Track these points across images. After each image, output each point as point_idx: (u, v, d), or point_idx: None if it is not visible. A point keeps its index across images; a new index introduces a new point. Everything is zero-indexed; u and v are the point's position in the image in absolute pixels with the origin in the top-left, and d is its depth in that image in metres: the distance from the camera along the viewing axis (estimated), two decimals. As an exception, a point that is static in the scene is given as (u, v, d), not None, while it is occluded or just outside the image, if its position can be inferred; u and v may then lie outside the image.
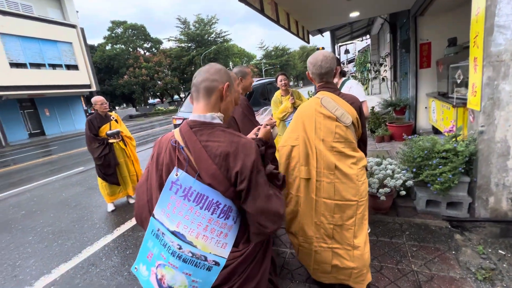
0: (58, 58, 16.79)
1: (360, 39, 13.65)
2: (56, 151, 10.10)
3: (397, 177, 2.40)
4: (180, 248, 0.86)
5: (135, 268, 0.96)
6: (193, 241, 0.86)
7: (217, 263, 0.87)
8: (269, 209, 0.87)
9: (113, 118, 3.54)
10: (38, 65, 15.83)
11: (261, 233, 0.88)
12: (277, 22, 3.82)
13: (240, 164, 0.85)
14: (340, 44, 13.78)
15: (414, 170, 2.36)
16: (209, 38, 32.27)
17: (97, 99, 3.40)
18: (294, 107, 3.49)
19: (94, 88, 19.13)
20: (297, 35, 5.04)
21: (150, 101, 33.91)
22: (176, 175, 0.87)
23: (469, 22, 2.32)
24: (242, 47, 48.93)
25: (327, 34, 8.45)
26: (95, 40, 56.98)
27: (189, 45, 31.48)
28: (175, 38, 30.98)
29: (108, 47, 28.81)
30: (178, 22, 30.94)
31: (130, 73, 26.37)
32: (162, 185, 0.89)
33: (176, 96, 37.83)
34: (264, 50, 57.89)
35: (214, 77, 0.95)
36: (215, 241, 0.87)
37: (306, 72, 1.70)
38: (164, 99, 36.32)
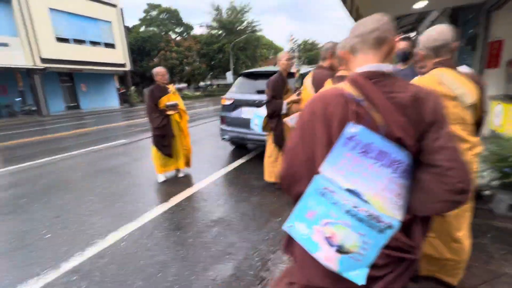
0: (98, 36, 17.42)
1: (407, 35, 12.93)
2: (94, 124, 10.56)
3: (483, 176, 2.23)
4: (355, 207, 0.81)
5: (290, 225, 0.92)
6: (370, 200, 0.80)
7: (390, 226, 0.81)
8: (462, 162, 0.77)
9: (171, 91, 3.59)
10: (80, 41, 16.51)
11: (450, 193, 0.77)
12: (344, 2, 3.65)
13: (432, 112, 0.78)
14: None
15: (506, 170, 2.18)
16: (240, 27, 32.10)
17: (159, 70, 3.45)
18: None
19: (128, 68, 19.73)
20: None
21: (177, 86, 34.54)
22: (353, 131, 0.81)
23: None
24: (270, 39, 48.27)
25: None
26: (131, 21, 58.46)
27: (220, 32, 31.50)
28: (207, 24, 31.09)
29: (142, 29, 29.48)
30: (211, 8, 30.93)
31: (161, 55, 26.89)
32: (331, 142, 0.83)
33: (202, 83, 38.24)
34: (294, 43, 56.86)
35: (385, 27, 0.88)
36: (393, 201, 0.81)
37: (417, 51, 1.57)
38: (190, 85, 36.85)
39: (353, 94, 0.85)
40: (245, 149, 5.35)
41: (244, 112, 4.34)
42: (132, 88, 20.92)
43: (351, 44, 0.92)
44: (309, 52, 54.38)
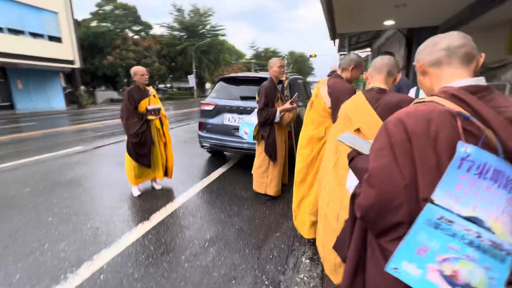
0: (41, 27, 15.29)
1: (361, 51, 14.10)
2: (37, 128, 9.12)
3: None
4: (479, 237, 0.71)
5: (395, 267, 0.79)
6: (492, 227, 0.72)
7: (509, 253, 0.74)
8: None
9: (151, 93, 3.23)
10: (16, 32, 14.27)
11: None
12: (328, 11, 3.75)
13: None
14: (340, 53, 14.13)
15: None
16: (203, 30, 31.50)
17: (138, 69, 3.08)
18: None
19: (77, 65, 17.73)
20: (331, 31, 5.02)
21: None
22: (467, 150, 0.73)
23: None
24: (232, 44, 48.42)
25: (330, 42, 8.58)
26: (80, 15, 52.87)
27: (182, 34, 30.46)
28: (168, 24, 29.81)
29: (93, 24, 26.90)
30: (172, 8, 29.76)
31: (116, 54, 24.83)
32: (440, 164, 0.74)
33: (161, 85, 36.32)
34: (255, 50, 57.91)
35: (472, 44, 0.84)
36: (510, 225, 0.74)
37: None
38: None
39: (460, 110, 0.76)
40: (223, 157, 5.11)
41: (227, 119, 4.14)
42: (82, 88, 18.80)
43: (435, 57, 0.85)
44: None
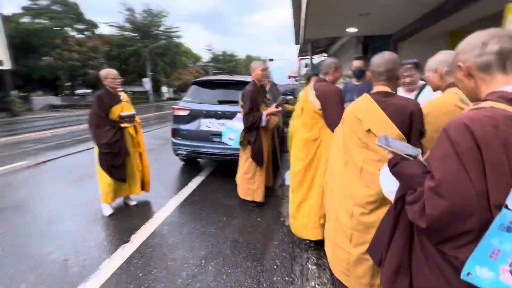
0: (-45, 20, 12.80)
1: (318, 56, 14.94)
2: (-43, 141, 7.53)
3: None
4: None
5: (467, 273, 0.77)
6: None
7: None
8: None
9: (124, 98, 2.89)
10: None
11: None
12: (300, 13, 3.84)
13: None
14: (301, 57, 14.80)
15: None
16: (157, 31, 30.01)
17: (108, 72, 2.73)
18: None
19: (6, 67, 15.29)
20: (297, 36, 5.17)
21: (78, 91, 28.98)
22: None
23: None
24: (188, 47, 47.16)
25: (291, 46, 8.95)
26: (9, 9, 45.55)
27: (134, 35, 28.55)
28: (118, 24, 27.65)
29: (24, 20, 23.55)
30: (121, 7, 27.72)
31: (56, 55, 22.09)
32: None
33: (111, 89, 33.43)
34: (212, 53, 57.24)
35: None
36: None
37: (436, 69, 1.69)
38: (97, 91, 31.69)
39: None
40: (197, 165, 4.85)
41: (204, 124, 3.93)
42: (13, 92, 16.22)
43: (486, 60, 0.83)
44: (228, 63, 55.91)
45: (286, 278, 1.97)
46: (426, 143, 1.61)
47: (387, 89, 1.60)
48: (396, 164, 1.02)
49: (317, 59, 16.65)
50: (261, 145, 2.98)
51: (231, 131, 3.09)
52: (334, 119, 2.01)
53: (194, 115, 3.94)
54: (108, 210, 2.90)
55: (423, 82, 2.49)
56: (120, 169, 2.78)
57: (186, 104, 4.03)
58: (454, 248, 0.81)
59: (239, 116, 3.19)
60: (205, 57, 58.92)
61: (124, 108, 2.81)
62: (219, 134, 3.81)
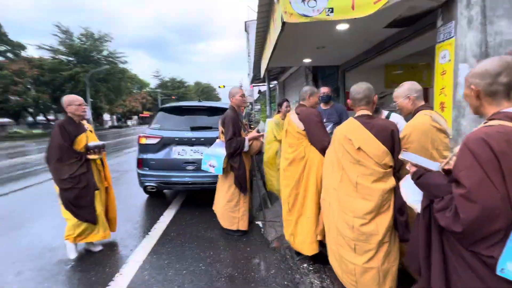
0: None
1: (268, 83, 15.87)
2: None
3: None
4: None
5: (501, 269, 0.85)
6: None
7: None
8: None
9: (87, 128, 2.56)
10: None
11: None
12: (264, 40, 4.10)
13: None
14: (254, 84, 15.49)
15: None
16: (99, 56, 28.12)
17: (73, 98, 2.41)
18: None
19: None
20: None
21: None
22: None
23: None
24: (134, 73, 45.23)
25: (239, 73, 9.48)
26: None
27: (70, 59, 26.14)
28: (51, 47, 25.02)
29: None
30: (56, 30, 25.39)
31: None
32: None
33: (40, 117, 29.24)
34: (160, 79, 55.80)
35: None
36: None
37: (407, 96, 1.97)
38: (20, 119, 27.27)
39: None
40: (163, 196, 4.45)
41: (176, 152, 3.70)
42: None
43: (495, 89, 0.99)
44: (178, 90, 55.04)
45: (296, 308, 1.87)
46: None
47: (368, 112, 1.84)
48: (421, 176, 1.12)
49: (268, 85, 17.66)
50: (245, 170, 2.93)
51: (213, 157, 2.97)
52: (318, 137, 2.21)
53: (165, 143, 3.70)
54: (73, 252, 2.41)
55: (387, 112, 2.87)
56: (88, 209, 2.38)
57: (155, 131, 3.77)
58: (486, 248, 0.91)
59: (219, 142, 3.12)
60: (153, 83, 57.16)
61: (89, 138, 2.47)
62: (193, 162, 3.65)
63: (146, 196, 4.42)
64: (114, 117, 39.50)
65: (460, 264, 1.01)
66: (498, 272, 0.88)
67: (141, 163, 3.77)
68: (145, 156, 3.73)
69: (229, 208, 2.98)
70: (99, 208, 2.50)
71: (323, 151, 2.15)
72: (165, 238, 2.98)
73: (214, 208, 3.28)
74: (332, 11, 2.77)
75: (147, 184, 3.66)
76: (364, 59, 5.52)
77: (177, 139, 3.67)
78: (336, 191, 1.84)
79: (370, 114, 1.87)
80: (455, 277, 1.03)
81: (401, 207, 1.69)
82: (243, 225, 2.97)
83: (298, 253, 2.44)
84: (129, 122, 43.75)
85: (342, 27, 3.72)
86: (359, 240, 1.68)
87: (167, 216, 3.59)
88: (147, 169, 3.72)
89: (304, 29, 3.57)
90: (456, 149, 1.06)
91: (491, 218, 0.88)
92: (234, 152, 2.85)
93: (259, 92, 15.78)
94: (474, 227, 0.90)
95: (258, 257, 2.57)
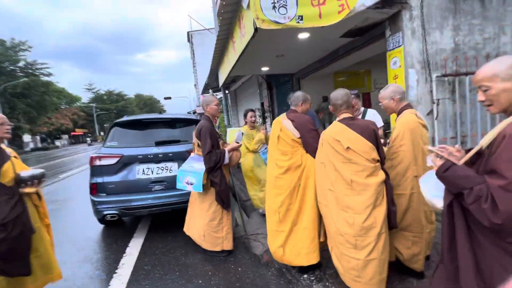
0: None
1: (219, 93, 15.74)
2: None
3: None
4: None
5: None
6: None
7: None
8: None
9: (10, 153, 2.00)
10: None
11: None
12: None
13: None
14: (204, 94, 15.15)
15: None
16: (13, 67, 23.89)
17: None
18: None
19: None
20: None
21: None
22: None
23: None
24: (61, 86, 39.78)
25: (184, 84, 9.31)
26: None
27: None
28: None
29: None
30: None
31: None
32: None
33: None
34: (94, 93, 50.24)
35: None
36: None
37: (392, 97, 2.10)
38: None
39: None
40: (121, 224, 3.87)
41: (140, 171, 3.25)
42: None
43: None
44: (116, 103, 50.37)
45: (310, 326, 1.76)
46: (403, 154, 1.95)
47: (349, 115, 1.99)
48: (449, 168, 1.13)
49: (220, 95, 17.51)
50: (226, 185, 2.72)
51: (190, 174, 2.69)
52: (313, 146, 2.16)
53: (126, 162, 3.22)
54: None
55: (363, 108, 3.04)
56: (21, 260, 1.81)
57: (112, 150, 3.26)
58: None
59: (194, 156, 2.86)
60: (85, 97, 51.09)
61: (16, 166, 1.92)
62: (161, 181, 3.27)
63: (101, 226, 3.77)
64: (38, 137, 33.71)
65: (500, 254, 1.03)
66: None
67: (95, 189, 3.20)
68: (100, 179, 3.18)
69: (211, 228, 2.71)
70: (43, 250, 1.94)
71: None
72: (139, 273, 2.54)
73: (186, 230, 2.96)
74: (301, 19, 2.85)
75: (106, 212, 3.10)
76: (318, 67, 5.87)
77: (140, 156, 3.23)
78: (332, 192, 1.90)
79: (352, 116, 1.99)
80: (495, 267, 1.04)
81: (392, 198, 1.86)
82: (227, 245, 2.73)
83: (293, 266, 2.35)
84: (57, 143, 37.80)
85: (304, 35, 3.87)
86: (359, 235, 1.77)
87: (134, 247, 3.10)
88: (104, 194, 3.18)
89: (269, 37, 3.60)
90: (483, 140, 1.11)
91: None
92: (215, 166, 2.62)
93: (211, 102, 15.51)
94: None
95: (253, 275, 2.38)
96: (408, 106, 2.08)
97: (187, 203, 3.25)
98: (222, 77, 6.18)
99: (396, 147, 1.98)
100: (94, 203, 3.15)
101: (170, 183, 3.29)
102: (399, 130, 1.96)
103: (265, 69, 6.17)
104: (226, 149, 2.76)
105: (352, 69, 7.12)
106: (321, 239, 2.15)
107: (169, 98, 31.91)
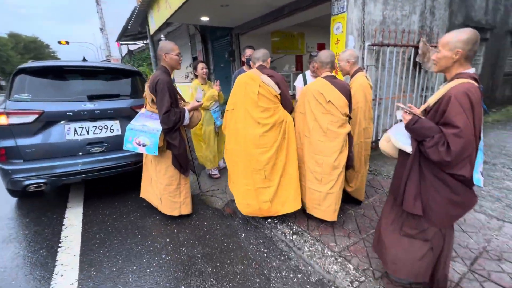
0: None
1: (141, 41, 13.53)
2: None
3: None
4: None
5: (477, 176, 1.29)
6: None
7: None
8: None
9: None
10: None
11: None
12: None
13: None
14: (121, 42, 12.70)
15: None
16: None
17: None
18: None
19: None
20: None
21: None
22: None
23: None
24: None
25: (82, 27, 7.96)
26: None
27: None
28: None
29: None
30: None
31: None
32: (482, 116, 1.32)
33: None
34: None
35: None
36: None
37: (347, 60, 2.35)
38: None
39: (480, 85, 1.35)
40: (41, 196, 3.26)
41: (71, 131, 2.70)
42: None
43: (472, 53, 1.33)
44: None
45: (282, 258, 2.06)
46: (357, 110, 2.33)
47: (332, 73, 2.14)
48: (416, 121, 1.42)
49: (140, 44, 15.10)
50: (185, 148, 2.54)
51: (142, 134, 2.40)
52: (289, 100, 2.32)
53: (49, 121, 2.59)
54: None
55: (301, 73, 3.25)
56: None
57: (25, 105, 2.52)
58: (459, 169, 1.34)
59: (146, 112, 2.53)
60: None
61: None
62: (100, 142, 2.84)
63: (12, 202, 3.08)
64: None
65: (438, 183, 1.40)
66: (475, 181, 1.33)
67: (4, 155, 2.51)
68: (11, 142, 2.49)
69: (168, 192, 2.54)
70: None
71: (291, 113, 2.34)
72: (92, 243, 2.30)
73: (143, 195, 2.78)
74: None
75: (29, 182, 2.51)
76: (258, 24, 5.74)
77: (70, 113, 2.64)
78: (307, 138, 2.23)
79: (334, 75, 2.23)
80: (433, 193, 1.43)
81: (352, 146, 2.28)
82: (185, 209, 2.64)
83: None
84: None
85: (254, -15, 3.66)
86: (325, 173, 2.18)
87: (73, 218, 2.71)
88: (21, 161, 2.54)
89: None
90: (430, 99, 1.43)
91: (468, 148, 1.28)
92: (173, 127, 2.36)
93: (129, 51, 13.21)
94: (459, 155, 1.29)
95: (220, 227, 2.51)
96: (360, 69, 2.39)
97: (134, 165, 2.98)
98: (155, 23, 5.32)
99: (354, 103, 2.30)
100: (5, 172, 2.49)
101: (111, 144, 2.89)
102: (356, 89, 2.27)
103: (204, 19, 5.62)
104: (186, 108, 2.53)
105: (288, 30, 7.28)
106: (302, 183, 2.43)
107: (66, 42, 25.40)
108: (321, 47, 7.89)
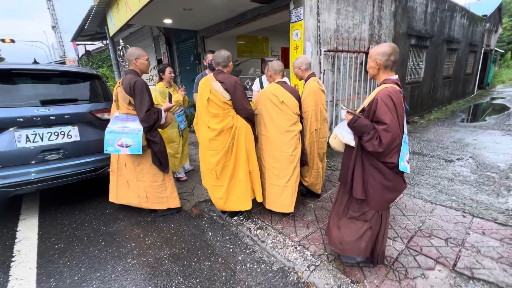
0: None
1: (97, 42, 12.77)
2: None
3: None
4: None
5: (403, 165, 1.54)
6: None
7: None
8: None
9: None
10: None
11: None
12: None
13: None
14: (78, 42, 11.85)
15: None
16: None
17: None
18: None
19: None
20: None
21: None
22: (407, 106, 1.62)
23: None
24: None
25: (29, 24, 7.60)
26: None
27: None
28: None
29: None
30: None
31: None
32: (403, 115, 1.58)
33: None
34: None
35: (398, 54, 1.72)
36: None
37: (299, 67, 2.58)
38: None
39: (401, 89, 1.62)
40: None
41: (23, 138, 2.55)
42: None
43: (390, 63, 1.60)
44: None
45: (247, 251, 2.18)
46: (308, 113, 2.55)
47: (283, 79, 2.44)
48: (356, 120, 1.65)
49: (98, 45, 14.25)
50: (164, 144, 2.59)
51: (125, 135, 2.37)
52: (243, 106, 2.34)
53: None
54: None
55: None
56: None
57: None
58: (389, 158, 1.60)
59: (120, 115, 2.47)
60: None
61: None
62: (57, 149, 2.72)
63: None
64: None
65: (374, 171, 1.66)
66: (401, 168, 1.59)
67: None
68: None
69: (154, 188, 2.63)
70: None
71: (248, 119, 2.38)
72: (50, 254, 2.20)
73: (115, 199, 2.76)
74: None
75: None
76: (223, 28, 5.85)
77: (20, 119, 2.49)
78: (265, 137, 2.45)
79: (285, 81, 2.51)
80: (370, 179, 1.68)
81: (304, 143, 2.52)
82: (173, 203, 2.72)
83: (223, 212, 2.68)
84: None
85: (217, -8, 3.77)
86: (282, 168, 2.41)
87: (27, 230, 2.56)
88: (-37, 172, 2.34)
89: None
90: (365, 101, 1.68)
91: (395, 140, 1.54)
92: (154, 125, 2.44)
93: (86, 52, 12.39)
94: (388, 147, 1.54)
95: (187, 228, 2.56)
96: (312, 74, 2.62)
97: (98, 171, 2.90)
98: (115, 24, 5.15)
99: (305, 107, 2.52)
100: None
101: (70, 150, 2.78)
102: (305, 93, 2.52)
103: (168, 21, 5.57)
104: (163, 108, 2.56)
105: (253, 34, 7.49)
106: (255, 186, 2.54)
107: (11, 41, 22.95)
108: (285, 51, 8.24)
